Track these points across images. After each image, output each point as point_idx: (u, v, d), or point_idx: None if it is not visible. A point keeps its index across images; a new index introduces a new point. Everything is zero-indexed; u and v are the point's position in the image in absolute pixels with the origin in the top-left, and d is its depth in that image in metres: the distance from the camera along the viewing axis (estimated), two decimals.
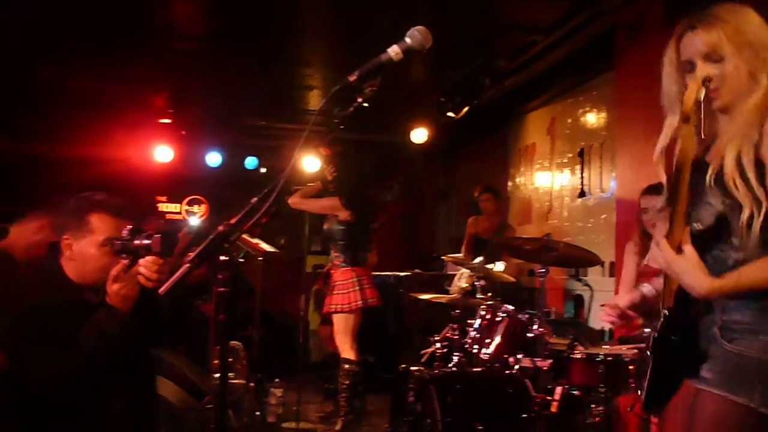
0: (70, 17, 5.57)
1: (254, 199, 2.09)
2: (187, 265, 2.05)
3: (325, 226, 5.59)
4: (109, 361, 2.38)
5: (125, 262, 2.37)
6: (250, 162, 9.57)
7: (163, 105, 8.46)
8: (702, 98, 1.82)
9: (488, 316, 4.23)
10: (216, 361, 5.36)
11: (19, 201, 3.74)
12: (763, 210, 1.73)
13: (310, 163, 6.35)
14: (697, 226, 1.86)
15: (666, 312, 1.91)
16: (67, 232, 2.50)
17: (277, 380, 5.66)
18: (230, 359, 5.45)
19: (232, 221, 2.05)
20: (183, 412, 4.30)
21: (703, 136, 1.87)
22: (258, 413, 5.51)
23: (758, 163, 1.75)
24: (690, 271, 1.81)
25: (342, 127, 2.07)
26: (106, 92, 7.46)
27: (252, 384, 5.47)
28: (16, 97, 7.09)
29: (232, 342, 5.41)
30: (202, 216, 11.15)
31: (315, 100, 8.22)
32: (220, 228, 2.04)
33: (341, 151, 5.58)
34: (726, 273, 1.79)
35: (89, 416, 2.44)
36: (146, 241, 2.36)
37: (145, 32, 6.08)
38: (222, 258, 2.04)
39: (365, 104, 2.04)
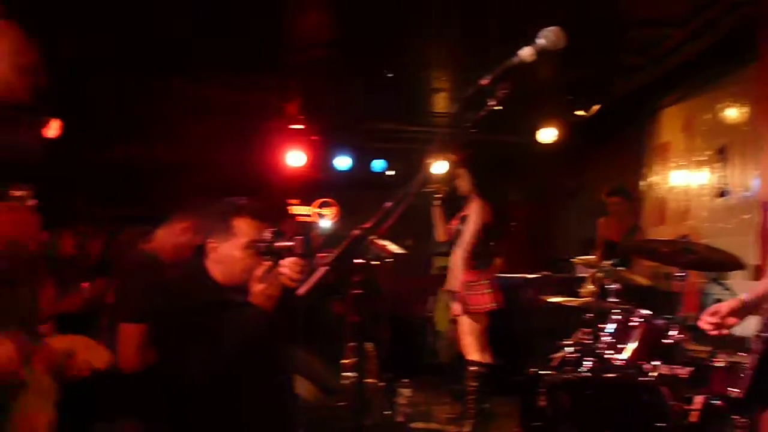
0: (204, 31, 5.87)
1: (388, 203, 2.14)
2: (326, 267, 2.13)
3: (453, 226, 5.59)
4: (254, 358, 2.49)
5: (269, 263, 2.48)
6: (378, 165, 9.72)
7: (295, 112, 8.75)
8: None
9: (623, 321, 4.11)
10: (347, 361, 5.52)
11: (163, 206, 3.95)
12: None
13: (439, 166, 6.36)
14: None
15: None
16: (212, 235, 2.62)
17: (405, 380, 5.73)
18: (360, 358, 5.57)
19: (367, 225, 2.11)
20: (317, 409, 4.41)
21: None
22: (387, 412, 5.60)
23: None
24: None
25: (473, 130, 2.09)
26: (241, 101, 7.80)
27: (382, 384, 5.57)
28: (155, 108, 7.51)
29: (363, 341, 5.52)
30: (332, 218, 11.43)
31: (443, 103, 8.25)
32: (356, 231, 2.10)
33: (471, 154, 5.58)
34: None
35: (233, 411, 2.56)
36: (289, 243, 2.46)
37: (275, 43, 6.31)
38: (357, 261, 2.11)
39: (498, 107, 2.04)
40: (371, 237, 2.14)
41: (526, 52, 1.98)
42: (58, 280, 4.32)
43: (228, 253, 2.60)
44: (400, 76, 7.21)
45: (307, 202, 11.27)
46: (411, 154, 9.02)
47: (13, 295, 3.02)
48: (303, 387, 4.57)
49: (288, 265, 2.45)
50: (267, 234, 2.51)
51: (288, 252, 2.46)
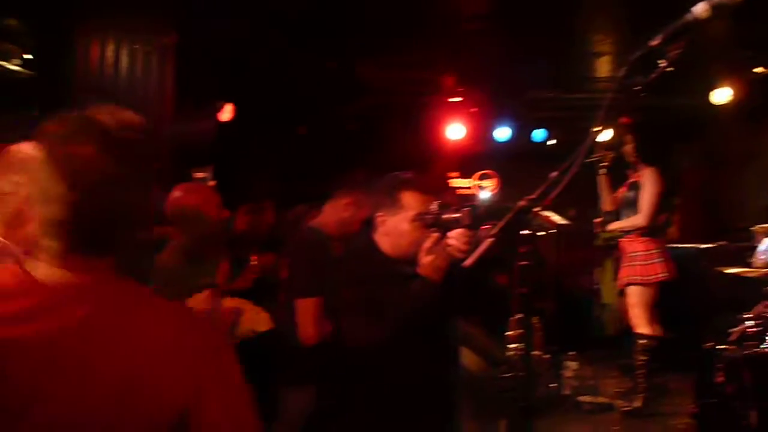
0: (363, 11, 5.98)
1: (554, 173, 2.10)
2: (491, 239, 2.13)
3: (620, 195, 5.39)
4: (421, 329, 2.54)
5: (436, 235, 2.50)
6: (538, 134, 9.53)
7: (454, 84, 8.74)
8: None
9: None
10: (512, 333, 5.50)
11: (332, 182, 4.09)
12: None
13: (604, 133, 6.13)
14: None
15: None
16: (380, 209, 2.69)
17: (571, 353, 5.63)
18: (525, 330, 5.53)
19: (532, 196, 2.09)
20: (481, 380, 4.43)
21: None
22: (554, 385, 5.54)
23: None
24: None
25: (642, 94, 2.00)
26: (401, 78, 7.90)
27: (547, 356, 5.51)
28: (316, 88, 7.75)
29: (528, 313, 5.47)
30: (492, 190, 11.37)
31: (605, 67, 7.92)
32: (521, 203, 2.09)
33: (641, 119, 5.35)
34: None
35: (401, 380, 2.62)
36: (456, 215, 2.47)
37: (432, 18, 6.31)
38: (523, 232, 2.09)
39: (670, 68, 1.95)
40: (536, 208, 2.11)
41: (700, 9, 1.86)
42: (232, 257, 4.62)
43: (396, 226, 2.64)
44: (560, 41, 7.00)
45: (467, 175, 11.27)
46: (572, 122, 8.84)
47: (200, 270, 3.27)
48: (468, 358, 4.61)
49: (455, 237, 2.45)
50: (434, 206, 2.53)
51: (455, 224, 2.47)
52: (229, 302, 3.20)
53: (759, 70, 6.57)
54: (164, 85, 5.37)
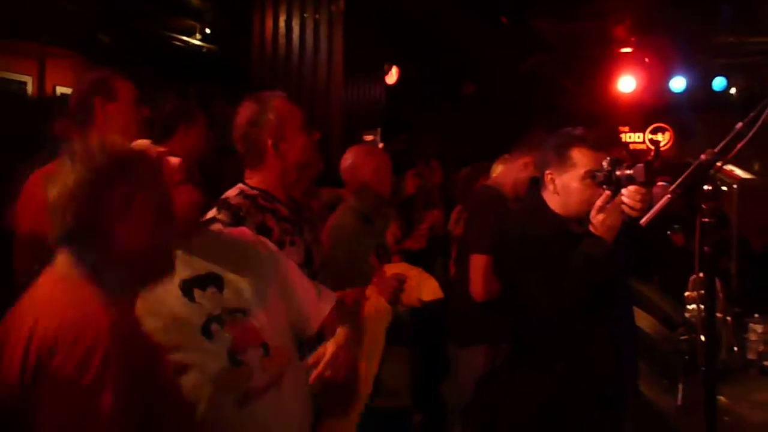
0: None
1: (739, 125, 1.99)
2: (669, 195, 2.05)
3: None
4: (596, 288, 2.50)
5: (608, 193, 2.43)
6: (718, 83, 8.92)
7: (625, 34, 8.35)
8: None
9: None
10: (691, 293, 5.26)
11: (501, 141, 4.07)
12: None
13: None
14: None
15: None
16: (549, 167, 2.64)
17: (757, 315, 5.30)
18: (702, 291, 5.26)
19: (715, 149, 1.99)
20: (658, 342, 4.31)
21: None
22: (736, 349, 5.24)
23: None
24: None
25: None
26: (573, 31, 7.66)
27: (729, 318, 5.22)
28: (485, 46, 7.65)
29: (707, 273, 5.20)
30: (666, 144, 10.81)
31: None
32: (703, 156, 1.99)
33: None
34: None
35: (575, 341, 2.60)
36: (629, 171, 2.38)
37: None
38: (706, 187, 2.00)
39: None
40: (719, 162, 2.01)
41: None
42: (402, 219, 4.73)
43: (566, 184, 2.59)
44: None
45: (638, 129, 10.79)
46: (755, 69, 8.18)
47: (370, 231, 3.39)
48: (644, 320, 4.47)
49: (629, 195, 2.37)
50: (605, 163, 2.45)
51: (628, 180, 2.39)
52: (394, 268, 3.27)
53: None
54: (334, 52, 5.53)
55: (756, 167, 6.27)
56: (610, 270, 2.51)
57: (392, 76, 7.64)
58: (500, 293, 3.17)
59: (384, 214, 3.63)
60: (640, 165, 2.37)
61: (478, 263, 3.32)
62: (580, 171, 2.55)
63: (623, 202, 2.38)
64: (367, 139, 6.31)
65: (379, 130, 6.60)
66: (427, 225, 4.60)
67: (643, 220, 2.02)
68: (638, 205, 2.35)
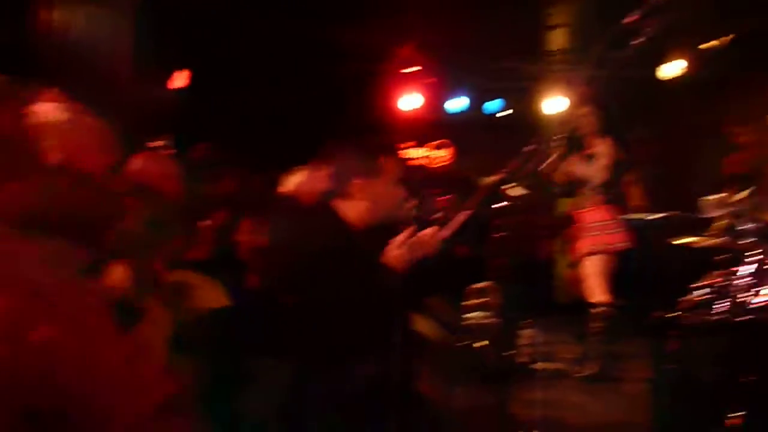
0: None
1: (529, 147, 2.15)
2: (468, 211, 2.17)
3: (578, 165, 5.46)
4: (384, 310, 2.56)
5: (411, 229, 2.51)
6: (495, 105, 9.59)
7: (411, 54, 8.71)
8: None
9: (760, 262, 3.95)
10: (470, 301, 5.58)
11: (285, 150, 4.06)
12: None
13: (560, 104, 6.22)
14: None
15: None
16: (357, 175, 2.66)
17: (528, 321, 5.73)
18: (483, 299, 5.62)
19: (508, 169, 2.13)
20: (439, 348, 4.49)
21: None
22: (510, 353, 5.64)
23: None
24: None
25: (613, 66, 2.05)
26: (359, 45, 7.84)
27: (504, 324, 5.60)
28: (274, 53, 7.63)
29: (485, 282, 5.56)
30: (446, 160, 11.42)
31: (560, 40, 8.00)
32: (496, 176, 2.12)
33: (597, 91, 5.41)
34: None
35: (355, 347, 2.63)
36: (438, 215, 2.51)
37: None
38: (498, 204, 2.13)
39: (644, 44, 2.00)
40: (512, 181, 2.15)
41: None
42: (191, 227, 4.56)
43: (378, 190, 2.63)
44: (515, 12, 7.03)
45: (422, 145, 11.30)
46: (528, 93, 8.92)
47: (156, 237, 3.22)
48: (424, 326, 4.67)
49: (429, 235, 2.49)
50: (413, 202, 2.56)
51: (432, 222, 2.52)
52: (180, 275, 3.14)
53: (712, 44, 6.70)
54: (122, 49, 5.24)
55: (529, 184, 6.77)
56: (399, 296, 2.59)
57: (181, 80, 7.37)
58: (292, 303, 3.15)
59: (170, 221, 3.48)
60: (452, 211, 2.50)
61: None
62: (392, 176, 2.61)
63: (422, 242, 2.49)
64: (156, 145, 6.02)
65: (170, 135, 6.33)
66: (211, 231, 4.46)
67: (444, 233, 2.11)
68: (435, 249, 2.47)
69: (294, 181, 3.86)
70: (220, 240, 4.49)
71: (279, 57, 7.54)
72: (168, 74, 7.00)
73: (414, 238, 2.50)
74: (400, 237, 2.51)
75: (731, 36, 6.62)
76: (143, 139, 5.80)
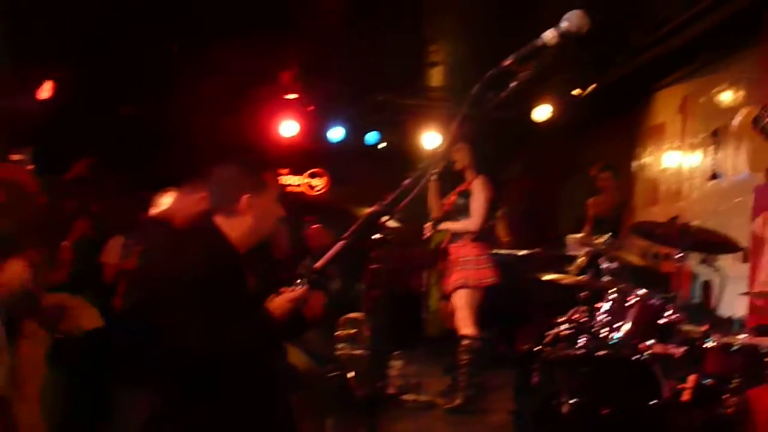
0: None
1: (407, 181, 2.16)
2: (343, 242, 2.15)
3: (451, 200, 5.59)
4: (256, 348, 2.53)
5: (302, 290, 2.50)
6: (372, 137, 9.69)
7: (291, 80, 8.68)
8: None
9: (618, 299, 4.15)
10: (341, 332, 5.57)
11: (153, 171, 3.94)
12: None
13: (436, 140, 6.35)
14: None
15: None
16: (244, 191, 2.59)
17: (397, 353, 5.78)
18: (353, 330, 5.62)
19: (385, 201, 2.13)
20: (308, 379, 4.45)
21: None
22: (379, 384, 5.66)
23: None
24: None
25: (491, 108, 2.11)
26: (238, 67, 7.72)
27: (374, 355, 5.61)
28: (148, 71, 7.41)
29: (356, 314, 5.57)
30: (321, 189, 11.43)
31: (439, 77, 8.22)
32: (374, 207, 2.12)
33: (472, 129, 5.57)
34: None
35: (226, 379, 2.57)
36: (329, 281, 2.53)
37: (279, 9, 6.25)
38: (375, 236, 2.12)
39: (520, 88, 2.06)
40: (388, 214, 2.15)
41: (549, 35, 1.99)
42: (52, 244, 4.32)
43: (265, 205, 2.61)
44: (398, 47, 7.16)
45: (297, 173, 11.26)
46: (405, 127, 9.09)
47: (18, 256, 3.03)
48: (296, 357, 4.62)
49: (315, 300, 2.53)
50: (305, 264, 2.57)
51: (323, 284, 2.54)
52: (54, 297, 3.00)
53: (576, 92, 7.09)
54: None
55: (402, 216, 6.86)
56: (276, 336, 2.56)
57: (46, 91, 7.01)
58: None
59: (30, 241, 3.28)
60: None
61: None
62: (275, 192, 2.63)
63: (307, 304, 2.50)
64: (14, 159, 5.67)
65: (29, 149, 5.98)
66: (68, 255, 4.24)
67: (317, 265, 2.09)
68: (319, 313, 2.51)
69: (167, 202, 3.74)
70: (82, 260, 4.31)
71: (153, 74, 7.32)
72: (35, 85, 6.65)
73: (305, 298, 2.51)
74: (295, 293, 2.48)
75: (593, 85, 7.02)
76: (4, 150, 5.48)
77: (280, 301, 2.50)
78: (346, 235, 2.05)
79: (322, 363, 4.84)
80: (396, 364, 5.75)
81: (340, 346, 5.47)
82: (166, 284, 2.60)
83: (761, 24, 5.15)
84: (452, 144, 5.52)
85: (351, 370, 5.14)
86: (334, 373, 5.11)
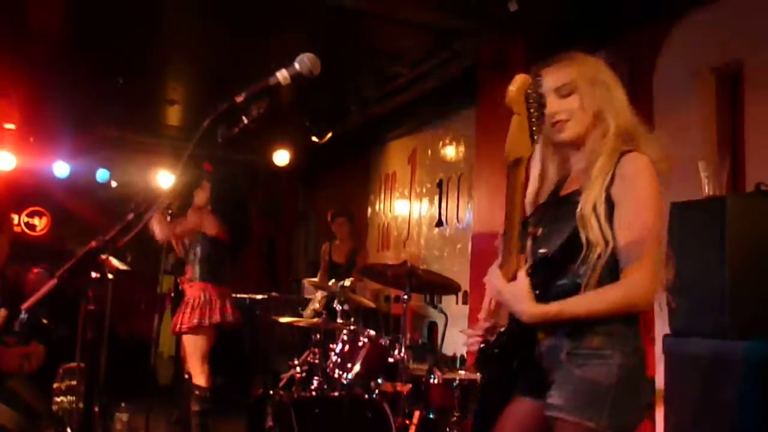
0: None
1: (130, 216, 2.03)
2: (55, 280, 1.95)
3: (186, 242, 5.37)
4: None
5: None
6: (102, 174, 9.11)
7: (9, 108, 7.92)
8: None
9: (350, 341, 4.24)
10: (59, 384, 5.08)
11: None
12: (609, 250, 1.85)
13: (165, 178, 6.15)
14: (543, 251, 1.96)
15: (501, 330, 2.01)
16: None
17: (123, 404, 5.40)
18: (74, 381, 5.16)
19: (107, 237, 1.98)
20: None
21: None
22: None
23: (608, 203, 1.88)
24: (518, 296, 1.89)
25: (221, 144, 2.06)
26: None
27: (96, 408, 5.19)
28: None
29: (76, 363, 5.12)
30: (42, 229, 10.50)
31: (175, 115, 8.00)
32: (93, 243, 1.96)
33: (213, 168, 5.43)
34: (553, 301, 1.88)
35: None
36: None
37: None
38: (93, 274, 1.96)
39: (252, 125, 2.04)
40: (106, 251, 2.00)
41: (280, 75, 2.01)
42: None
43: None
44: (133, 82, 6.86)
45: (15, 211, 10.24)
46: (137, 164, 8.68)
47: None
48: (4, 416, 4.18)
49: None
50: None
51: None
52: None
53: (314, 139, 7.28)
54: None
55: (130, 259, 6.48)
56: None
57: None
58: None
59: None
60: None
61: None
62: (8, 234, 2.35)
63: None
64: None
65: None
66: None
67: (24, 305, 1.88)
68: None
69: None
70: None
71: None
72: None
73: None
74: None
75: (330, 133, 7.27)
76: None
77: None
78: (59, 273, 1.86)
79: (34, 419, 4.42)
80: (121, 417, 5.36)
81: (57, 399, 5.01)
82: None
83: (476, 86, 5.66)
84: (186, 183, 5.40)
85: (68, 426, 4.72)
86: (49, 430, 4.66)
